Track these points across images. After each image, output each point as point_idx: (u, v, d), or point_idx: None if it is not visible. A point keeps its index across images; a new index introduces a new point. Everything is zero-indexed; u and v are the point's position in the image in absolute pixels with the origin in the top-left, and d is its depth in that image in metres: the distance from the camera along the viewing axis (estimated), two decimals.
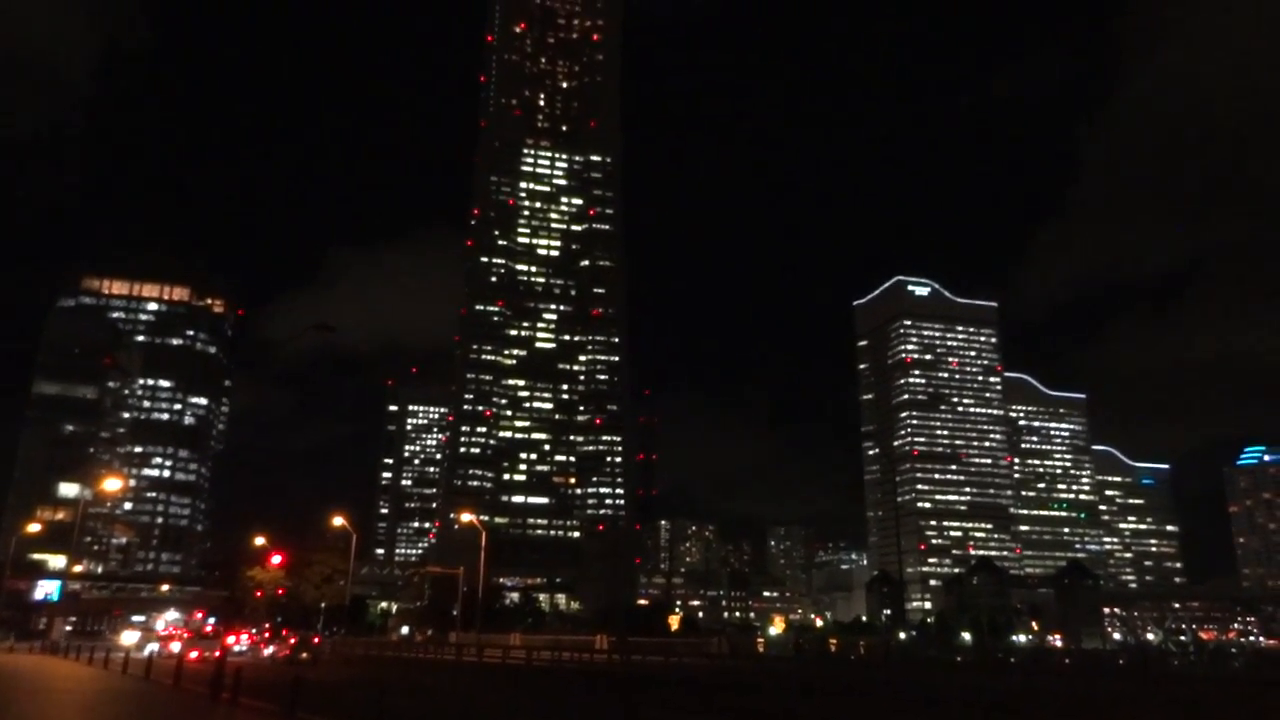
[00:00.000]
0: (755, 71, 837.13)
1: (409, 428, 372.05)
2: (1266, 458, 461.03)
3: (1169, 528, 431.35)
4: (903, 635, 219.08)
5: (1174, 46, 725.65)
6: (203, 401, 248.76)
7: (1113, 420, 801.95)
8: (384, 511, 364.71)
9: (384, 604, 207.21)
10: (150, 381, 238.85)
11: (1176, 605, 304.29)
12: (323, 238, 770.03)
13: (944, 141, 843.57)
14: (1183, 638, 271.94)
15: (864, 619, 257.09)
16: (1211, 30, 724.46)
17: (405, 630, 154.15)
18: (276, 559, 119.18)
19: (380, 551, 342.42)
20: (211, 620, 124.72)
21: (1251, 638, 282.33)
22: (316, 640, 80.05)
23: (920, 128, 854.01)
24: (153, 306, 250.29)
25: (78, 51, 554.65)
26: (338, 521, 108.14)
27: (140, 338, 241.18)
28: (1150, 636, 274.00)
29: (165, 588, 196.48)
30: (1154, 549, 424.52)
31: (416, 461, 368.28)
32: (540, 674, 54.14)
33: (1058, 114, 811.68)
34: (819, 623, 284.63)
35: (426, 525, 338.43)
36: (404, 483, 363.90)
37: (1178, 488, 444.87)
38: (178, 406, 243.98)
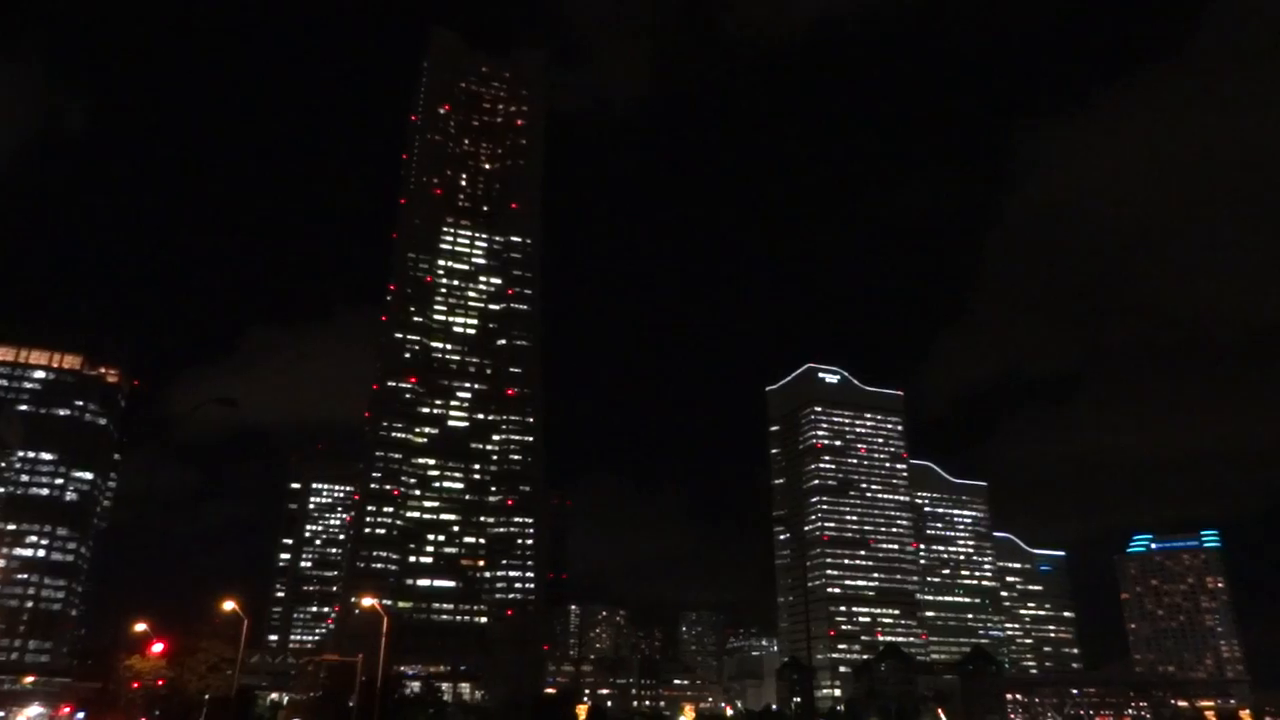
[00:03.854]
0: (676, 168, 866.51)
1: (311, 507, 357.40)
2: (1154, 546, 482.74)
3: (1066, 613, 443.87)
4: None
5: (1062, 169, 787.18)
6: (87, 476, 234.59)
7: (1012, 508, 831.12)
8: (280, 595, 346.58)
9: (274, 695, 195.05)
10: (30, 454, 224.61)
11: (1075, 691, 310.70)
12: (243, 315, 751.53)
13: (858, 244, 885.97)
14: None
15: (774, 707, 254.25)
16: (1094, 155, 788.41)
17: None
18: (158, 647, 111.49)
19: (274, 638, 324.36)
20: (80, 715, 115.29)
21: None
22: None
23: (836, 229, 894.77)
24: (39, 374, 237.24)
25: None
26: (228, 606, 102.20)
27: (23, 407, 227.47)
28: None
29: (29, 680, 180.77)
30: (1052, 634, 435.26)
31: (318, 542, 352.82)
32: None
33: (961, 225, 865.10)
34: (729, 711, 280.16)
35: (325, 610, 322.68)
36: (303, 564, 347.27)
37: (1073, 574, 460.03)
38: (59, 481, 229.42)
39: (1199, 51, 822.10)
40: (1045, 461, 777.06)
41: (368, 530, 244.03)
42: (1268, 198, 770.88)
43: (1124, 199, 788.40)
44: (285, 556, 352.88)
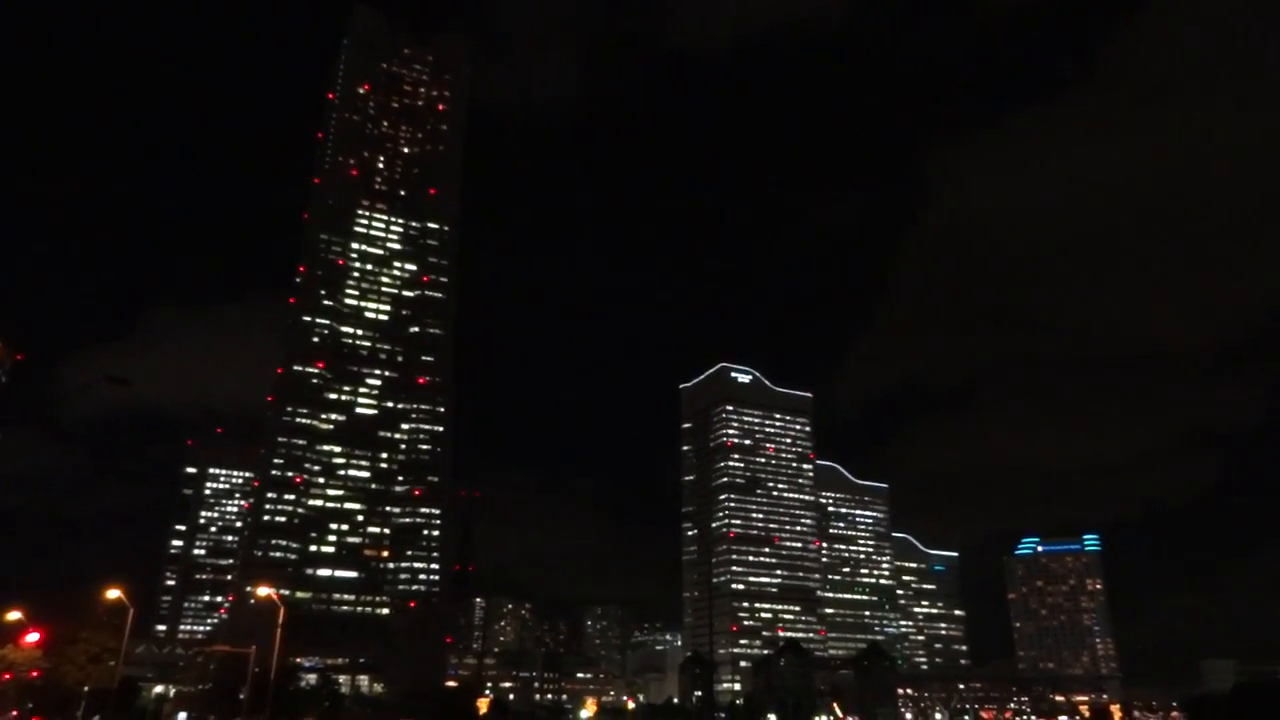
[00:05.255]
0: (598, 168, 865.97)
1: (208, 493, 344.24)
2: (1040, 548, 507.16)
3: (957, 612, 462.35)
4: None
5: (971, 188, 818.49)
6: None
7: (910, 510, 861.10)
8: (170, 583, 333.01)
9: (160, 687, 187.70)
10: None
11: (961, 686, 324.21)
12: (144, 294, 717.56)
13: (776, 250, 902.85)
14: (966, 717, 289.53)
15: (675, 701, 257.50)
16: (1001, 176, 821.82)
17: (183, 717, 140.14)
18: (33, 636, 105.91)
19: (162, 628, 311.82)
20: None
21: (1024, 716, 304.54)
22: None
23: (755, 234, 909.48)
24: None
25: None
26: (113, 594, 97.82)
27: None
28: (938, 716, 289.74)
29: None
30: (943, 631, 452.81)
31: (213, 529, 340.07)
32: None
33: (875, 237, 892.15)
34: (631, 705, 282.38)
35: (219, 599, 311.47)
36: (196, 552, 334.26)
37: (965, 574, 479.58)
38: None
39: (1104, 81, 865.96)
40: (943, 466, 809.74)
41: (267, 518, 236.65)
42: (1159, 222, 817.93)
43: (1027, 218, 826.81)
44: (177, 544, 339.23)
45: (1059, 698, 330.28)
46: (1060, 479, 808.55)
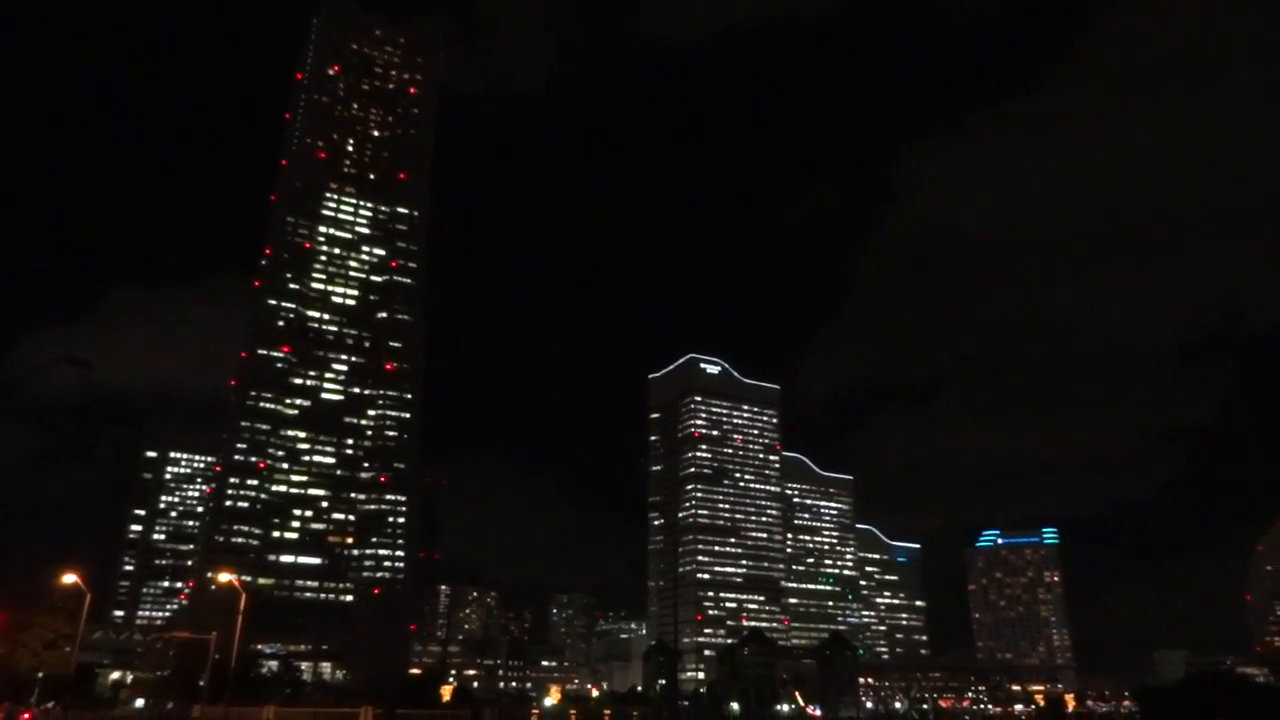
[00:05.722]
0: (571, 157, 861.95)
1: (168, 477, 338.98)
2: (1000, 541, 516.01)
3: (918, 602, 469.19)
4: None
5: (939, 187, 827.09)
6: None
7: (874, 502, 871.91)
8: (129, 568, 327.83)
9: (117, 674, 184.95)
10: None
11: (920, 675, 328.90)
12: (106, 274, 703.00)
13: (747, 243, 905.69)
14: (924, 706, 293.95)
15: (639, 689, 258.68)
16: (968, 175, 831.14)
17: (140, 703, 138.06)
18: None
19: (120, 614, 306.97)
20: None
21: (981, 705, 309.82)
22: (27, 716, 70.51)
23: (727, 227, 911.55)
24: None
25: None
26: (69, 578, 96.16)
27: None
28: (898, 705, 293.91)
29: None
30: (904, 622, 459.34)
31: (173, 514, 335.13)
32: None
33: (844, 233, 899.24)
34: (595, 693, 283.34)
35: (178, 585, 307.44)
36: (156, 536, 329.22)
37: (927, 566, 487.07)
38: None
39: (1071, 84, 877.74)
40: (907, 459, 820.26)
41: (229, 503, 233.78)
42: (1121, 223, 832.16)
43: (993, 217, 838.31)
44: (137, 528, 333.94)
45: (1015, 687, 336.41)
46: (1021, 473, 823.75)
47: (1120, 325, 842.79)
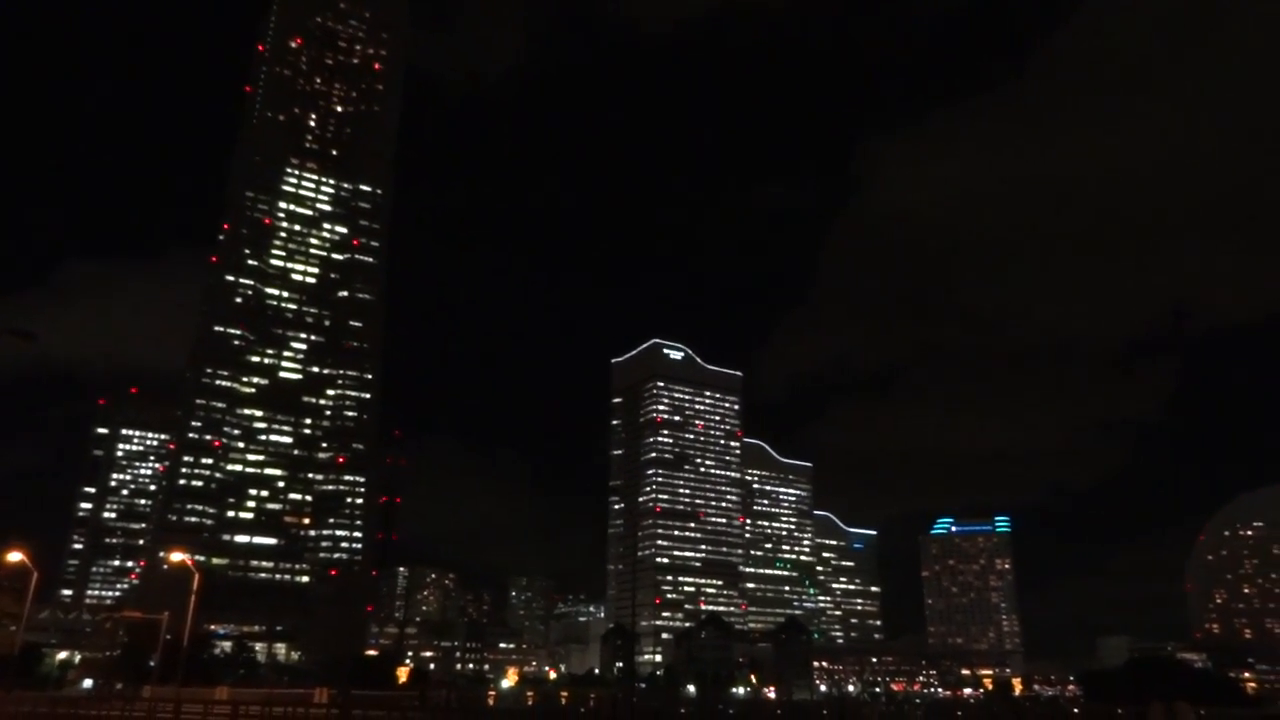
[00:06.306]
0: (538, 142, 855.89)
1: (120, 454, 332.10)
2: (954, 529, 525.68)
3: (873, 588, 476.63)
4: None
5: (900, 180, 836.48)
6: None
7: (832, 489, 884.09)
8: (78, 547, 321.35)
9: (64, 653, 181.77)
10: None
11: (874, 659, 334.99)
12: (58, 245, 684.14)
13: (711, 230, 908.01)
14: (876, 689, 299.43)
15: (597, 671, 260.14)
16: (928, 169, 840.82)
17: (88, 684, 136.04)
18: None
19: (68, 593, 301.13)
20: None
21: (932, 689, 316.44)
22: None
23: (692, 214, 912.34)
24: None
25: None
26: (14, 556, 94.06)
27: None
28: (851, 688, 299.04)
29: None
30: (859, 607, 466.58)
31: (125, 492, 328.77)
32: None
33: (807, 223, 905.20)
34: (553, 675, 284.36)
35: (129, 564, 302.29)
36: (106, 515, 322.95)
37: (882, 552, 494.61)
38: None
39: (1031, 81, 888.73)
40: (865, 447, 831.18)
41: (183, 482, 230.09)
42: (1074, 221, 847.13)
43: (950, 211, 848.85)
44: (86, 506, 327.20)
45: (965, 671, 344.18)
46: (975, 463, 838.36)
47: (1071, 321, 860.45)
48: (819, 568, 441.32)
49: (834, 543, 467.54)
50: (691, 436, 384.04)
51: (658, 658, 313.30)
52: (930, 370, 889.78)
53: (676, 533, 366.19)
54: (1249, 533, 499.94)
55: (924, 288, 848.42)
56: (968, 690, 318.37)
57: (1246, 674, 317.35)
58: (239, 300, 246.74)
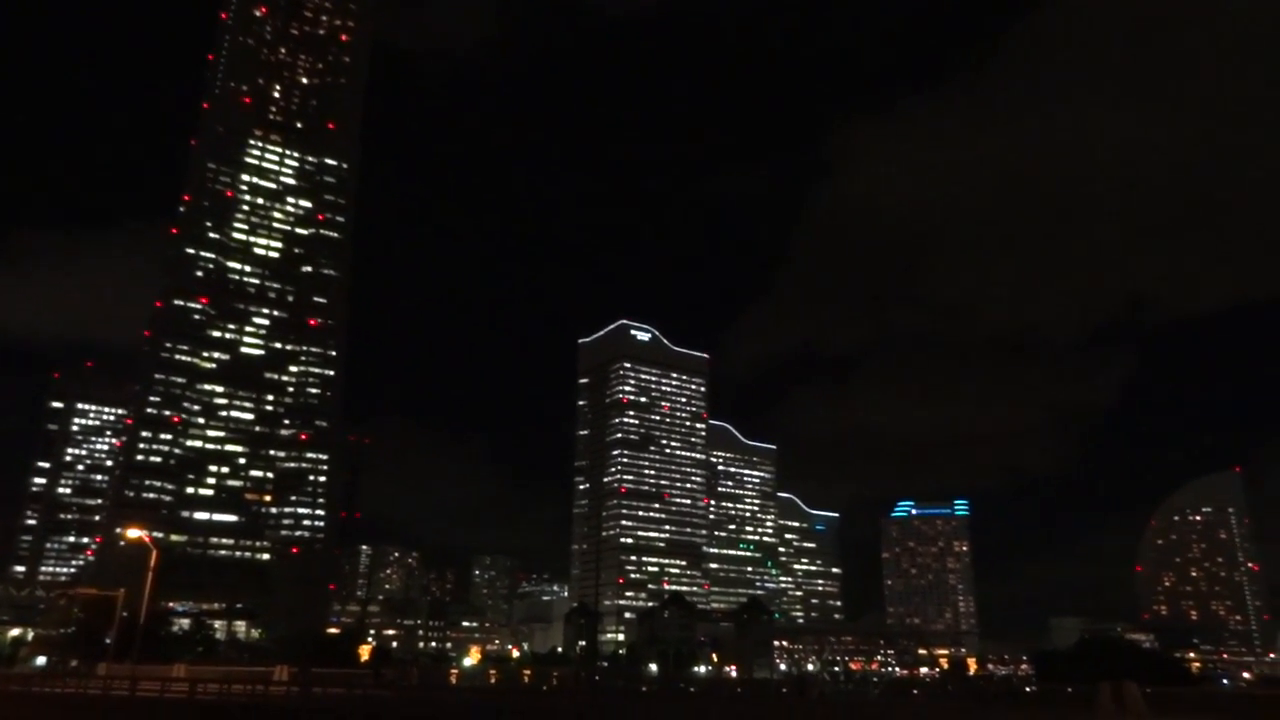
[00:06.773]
0: (508, 120, 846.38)
1: (75, 429, 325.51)
2: (914, 512, 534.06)
3: (834, 570, 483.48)
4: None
5: (867, 166, 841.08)
6: None
7: (796, 471, 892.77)
8: (31, 523, 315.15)
9: (17, 630, 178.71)
10: None
11: (833, 639, 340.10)
12: (11, 214, 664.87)
13: (681, 212, 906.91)
14: (836, 668, 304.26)
15: (560, 650, 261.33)
16: (895, 156, 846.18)
17: (42, 661, 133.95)
18: None
19: (21, 569, 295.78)
20: None
21: (890, 668, 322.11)
22: None
23: (661, 196, 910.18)
24: None
25: None
26: None
27: None
28: (810, 667, 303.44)
29: None
30: (820, 588, 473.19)
31: (80, 468, 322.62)
32: (204, 709, 49.82)
33: (775, 207, 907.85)
34: (516, 653, 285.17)
35: (85, 540, 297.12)
36: (61, 490, 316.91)
37: (843, 534, 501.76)
38: None
39: (998, 71, 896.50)
40: (828, 430, 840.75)
41: (140, 457, 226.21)
42: (1038, 210, 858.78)
43: (916, 199, 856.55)
44: (40, 481, 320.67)
45: (922, 651, 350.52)
46: (936, 447, 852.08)
47: (1030, 309, 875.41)
48: (781, 549, 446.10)
49: (797, 524, 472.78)
50: (657, 418, 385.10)
51: (620, 636, 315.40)
52: (892, 356, 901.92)
53: (641, 513, 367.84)
54: (1197, 518, 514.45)
55: (890, 274, 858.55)
56: (924, 669, 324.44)
57: (1191, 654, 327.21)
58: (199, 274, 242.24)
